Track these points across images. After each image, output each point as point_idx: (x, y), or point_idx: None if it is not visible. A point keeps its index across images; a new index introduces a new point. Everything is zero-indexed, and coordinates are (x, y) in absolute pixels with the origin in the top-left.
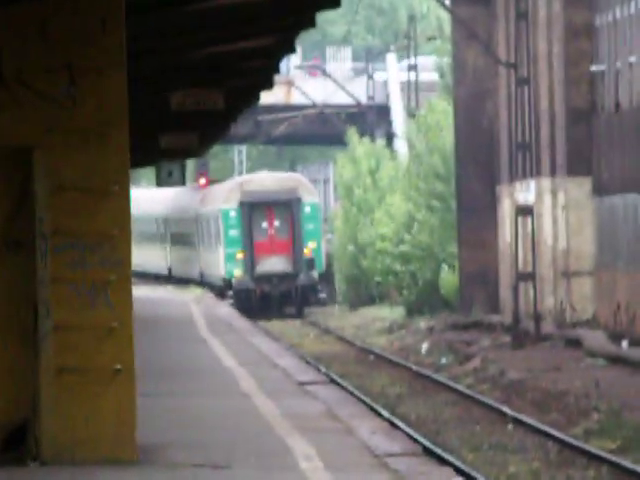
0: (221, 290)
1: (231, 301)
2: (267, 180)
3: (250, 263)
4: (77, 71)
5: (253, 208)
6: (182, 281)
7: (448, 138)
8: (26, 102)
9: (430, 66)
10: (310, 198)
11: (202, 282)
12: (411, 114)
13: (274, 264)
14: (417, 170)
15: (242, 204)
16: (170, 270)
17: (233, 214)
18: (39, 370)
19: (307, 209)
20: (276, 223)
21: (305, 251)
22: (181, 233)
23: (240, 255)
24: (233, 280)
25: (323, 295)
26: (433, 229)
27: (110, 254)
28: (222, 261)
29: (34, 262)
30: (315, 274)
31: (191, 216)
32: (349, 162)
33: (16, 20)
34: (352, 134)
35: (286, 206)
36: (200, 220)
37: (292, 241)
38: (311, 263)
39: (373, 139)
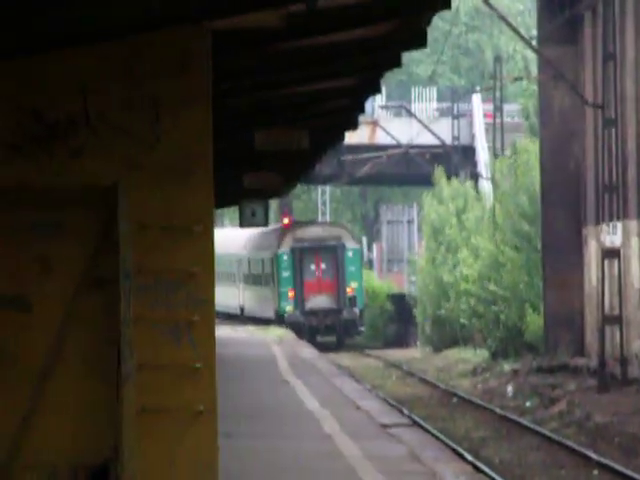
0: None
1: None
2: (316, 228)
3: (300, 300)
4: (161, 108)
5: (303, 252)
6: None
7: (536, 178)
8: (110, 140)
9: (515, 111)
10: (352, 244)
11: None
12: (497, 155)
13: (321, 301)
14: (503, 210)
15: (293, 249)
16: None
17: (285, 257)
18: (121, 410)
19: (350, 254)
20: (323, 266)
21: (348, 290)
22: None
23: (291, 293)
24: (285, 315)
25: (362, 329)
26: (518, 270)
27: (194, 293)
28: (276, 299)
29: (117, 301)
30: (357, 310)
31: (236, 258)
32: (436, 202)
33: (100, 58)
34: (440, 174)
35: (332, 251)
36: (250, 262)
37: (337, 281)
38: (353, 300)
39: (458, 179)
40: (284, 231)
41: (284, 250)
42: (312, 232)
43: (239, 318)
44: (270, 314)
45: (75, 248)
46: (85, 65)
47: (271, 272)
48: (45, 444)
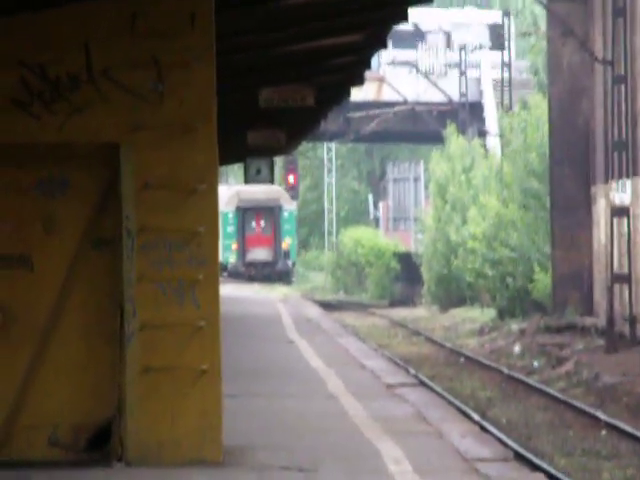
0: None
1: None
2: (257, 191)
3: (242, 252)
4: (165, 66)
5: (246, 211)
6: None
7: (546, 135)
8: (113, 98)
9: (523, 67)
10: (289, 206)
11: None
12: (505, 111)
13: (259, 254)
14: (512, 167)
15: (238, 208)
16: None
17: (231, 215)
18: (125, 369)
19: (285, 214)
20: (262, 223)
21: (283, 245)
22: None
23: (234, 246)
24: (228, 265)
25: (294, 279)
26: (526, 228)
27: (197, 252)
28: (221, 250)
29: (120, 260)
30: (289, 262)
31: None
32: (443, 160)
33: (104, 15)
34: (451, 131)
35: (270, 211)
36: None
37: (273, 237)
38: (287, 254)
39: (465, 136)
40: (230, 192)
41: (230, 208)
42: (254, 194)
43: None
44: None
45: (78, 207)
46: (88, 22)
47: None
48: (47, 403)
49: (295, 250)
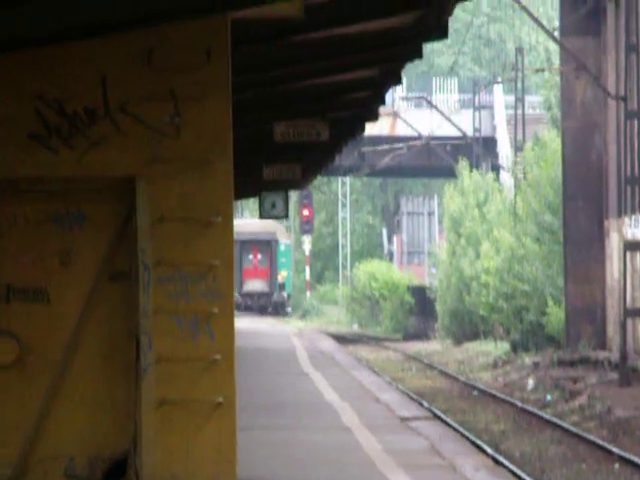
0: None
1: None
2: (254, 225)
3: (239, 283)
4: (181, 100)
5: (244, 244)
6: None
7: (559, 169)
8: (130, 132)
9: (536, 103)
10: (284, 240)
11: None
12: (518, 147)
13: (256, 285)
14: (525, 201)
15: (236, 241)
16: None
17: None
18: (140, 402)
19: (282, 247)
20: (259, 256)
21: (278, 277)
22: None
23: None
24: None
25: (289, 309)
26: (540, 262)
27: (213, 286)
28: None
29: (136, 293)
30: (285, 294)
31: None
32: (457, 194)
33: (121, 49)
34: (463, 166)
35: (267, 244)
36: None
37: (270, 270)
38: (282, 286)
39: (479, 171)
40: None
41: None
42: (252, 227)
43: None
44: None
45: (95, 240)
46: (105, 56)
47: None
48: (63, 436)
49: (290, 282)
